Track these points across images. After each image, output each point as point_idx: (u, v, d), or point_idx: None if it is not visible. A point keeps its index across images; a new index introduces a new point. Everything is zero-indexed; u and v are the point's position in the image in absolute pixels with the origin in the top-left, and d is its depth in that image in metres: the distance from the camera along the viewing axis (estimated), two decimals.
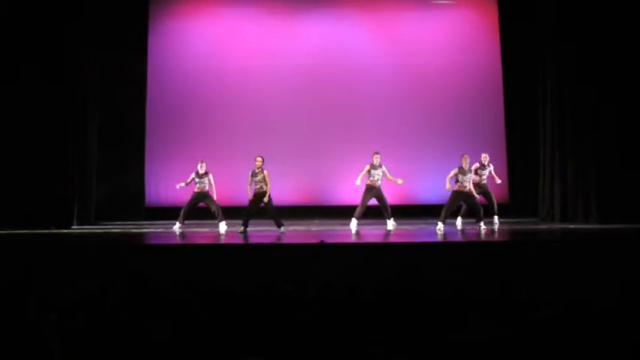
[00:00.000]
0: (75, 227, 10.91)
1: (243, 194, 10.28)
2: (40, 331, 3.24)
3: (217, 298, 4.26)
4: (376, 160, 10.33)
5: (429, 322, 3.76)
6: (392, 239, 9.50)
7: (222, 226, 10.26)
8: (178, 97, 12.72)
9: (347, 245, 8.88)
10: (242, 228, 9.93)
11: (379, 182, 10.32)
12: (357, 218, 10.27)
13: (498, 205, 10.60)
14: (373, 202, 10.51)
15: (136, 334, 3.45)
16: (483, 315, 3.85)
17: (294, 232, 10.20)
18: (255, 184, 9.98)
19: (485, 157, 10.56)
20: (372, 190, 10.31)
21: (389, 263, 7.07)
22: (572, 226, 10.60)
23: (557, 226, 10.74)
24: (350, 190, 10.48)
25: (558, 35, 11.09)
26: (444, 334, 3.40)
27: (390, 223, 10.31)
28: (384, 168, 10.33)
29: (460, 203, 10.28)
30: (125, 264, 7.27)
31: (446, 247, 8.81)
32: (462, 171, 10.05)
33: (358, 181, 10.30)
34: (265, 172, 9.96)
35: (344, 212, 10.64)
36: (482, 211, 10.09)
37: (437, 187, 10.57)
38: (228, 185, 11.80)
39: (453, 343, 3.30)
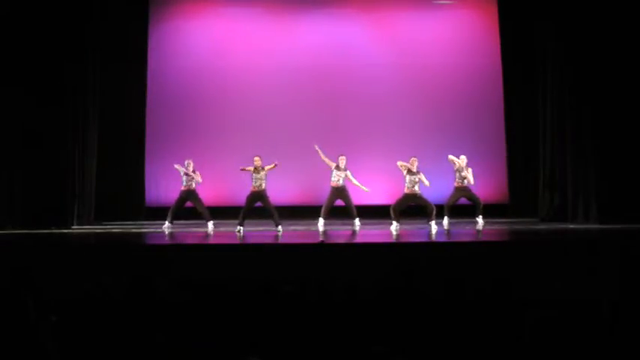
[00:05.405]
0: (75, 227, 10.91)
1: (244, 194, 10.26)
2: (39, 331, 3.24)
3: (217, 298, 4.26)
4: (341, 162, 10.41)
5: (428, 321, 3.77)
6: (392, 239, 9.49)
7: (210, 226, 10.31)
8: (178, 97, 12.72)
9: (347, 245, 8.88)
10: (239, 228, 9.94)
11: (341, 182, 10.38)
12: (324, 218, 10.31)
13: (498, 205, 10.57)
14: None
15: (135, 334, 3.45)
16: (482, 315, 3.85)
17: (294, 232, 10.21)
18: (255, 182, 10.02)
19: (463, 159, 10.45)
20: (335, 190, 10.39)
21: (389, 263, 7.07)
22: (572, 226, 10.61)
23: (557, 226, 10.74)
24: (350, 190, 10.48)
25: (558, 35, 11.09)
26: (443, 334, 3.40)
27: (356, 224, 10.37)
28: (347, 172, 10.39)
29: (409, 204, 10.31)
30: (125, 264, 7.27)
31: (445, 247, 8.80)
32: (409, 172, 10.19)
33: (323, 157, 10.41)
34: (266, 168, 10.05)
35: (344, 212, 10.63)
36: (434, 211, 10.06)
37: (436, 187, 10.55)
38: (228, 185, 11.81)
39: (452, 343, 3.30)
